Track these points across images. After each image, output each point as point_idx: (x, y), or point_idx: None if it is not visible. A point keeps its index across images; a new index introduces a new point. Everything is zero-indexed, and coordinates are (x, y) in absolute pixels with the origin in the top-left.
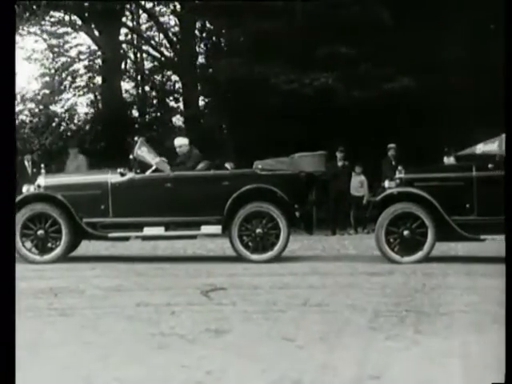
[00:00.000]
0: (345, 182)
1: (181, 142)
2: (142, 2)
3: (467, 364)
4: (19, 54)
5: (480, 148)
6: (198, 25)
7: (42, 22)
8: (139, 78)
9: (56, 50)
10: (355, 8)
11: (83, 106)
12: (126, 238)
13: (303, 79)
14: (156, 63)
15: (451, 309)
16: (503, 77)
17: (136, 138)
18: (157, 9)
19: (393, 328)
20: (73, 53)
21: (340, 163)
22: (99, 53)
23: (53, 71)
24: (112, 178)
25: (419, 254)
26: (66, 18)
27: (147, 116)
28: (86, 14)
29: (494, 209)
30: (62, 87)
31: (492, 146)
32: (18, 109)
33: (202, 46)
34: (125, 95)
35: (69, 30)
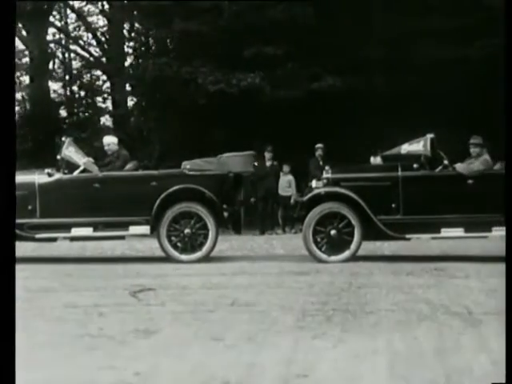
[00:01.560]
0: (273, 182)
1: (109, 141)
2: (70, 2)
3: (393, 361)
4: None
5: (405, 148)
6: (126, 25)
7: None
8: (67, 77)
9: None
10: (280, 8)
11: None
12: (54, 239)
13: (230, 79)
14: (84, 63)
15: (377, 307)
16: (503, 77)
17: (64, 138)
18: (85, 8)
19: (320, 327)
20: None
21: (268, 163)
22: (27, 52)
23: None
24: (39, 178)
25: (346, 254)
26: None
27: (75, 116)
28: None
29: (419, 208)
30: None
31: (417, 146)
32: None
33: (130, 45)
34: (53, 95)
35: None
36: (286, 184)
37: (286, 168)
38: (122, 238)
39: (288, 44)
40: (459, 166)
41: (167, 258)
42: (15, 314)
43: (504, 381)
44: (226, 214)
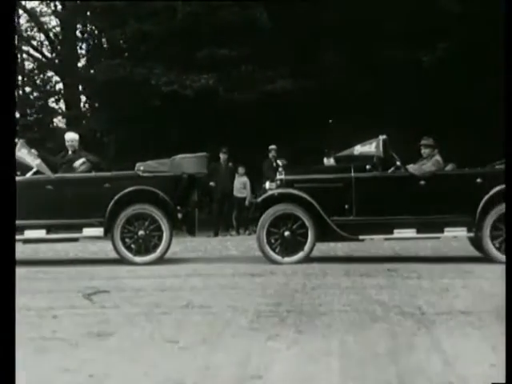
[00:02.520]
0: (228, 184)
1: (71, 137)
2: (23, 2)
3: (346, 362)
4: None
5: (358, 149)
6: (79, 25)
7: None
8: (20, 78)
9: None
10: (235, 9)
11: None
12: None
13: (183, 80)
14: (37, 64)
15: (331, 308)
16: (504, 78)
17: (16, 140)
18: (37, 9)
19: (274, 328)
20: None
21: (223, 164)
22: None
23: None
24: None
25: (300, 255)
26: None
27: (28, 117)
28: None
29: (372, 209)
30: None
31: (369, 148)
32: None
33: (83, 46)
34: None
35: None
36: (240, 185)
37: (240, 169)
38: (75, 240)
39: (242, 46)
40: (411, 167)
41: (121, 260)
42: (15, 313)
43: (504, 381)
44: (179, 215)
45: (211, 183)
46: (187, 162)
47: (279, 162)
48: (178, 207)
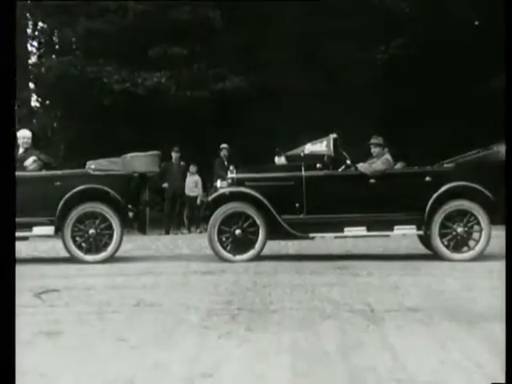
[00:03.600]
0: (180, 182)
1: (24, 134)
2: None
3: (297, 360)
4: None
5: (309, 148)
6: (29, 23)
7: None
8: None
9: None
10: (186, 8)
11: None
12: None
13: (135, 79)
14: None
15: (282, 306)
16: (504, 79)
17: None
18: None
19: (225, 326)
20: None
21: (175, 163)
22: None
23: None
24: None
25: (251, 253)
26: None
27: None
28: None
29: (323, 208)
30: None
31: (320, 146)
32: None
33: (33, 44)
34: None
35: None
36: (192, 184)
37: (192, 168)
38: (25, 238)
39: (194, 44)
40: (361, 166)
41: (72, 259)
42: (15, 313)
43: (504, 381)
44: (130, 214)
45: (163, 185)
46: (138, 161)
47: (231, 167)
48: (129, 206)
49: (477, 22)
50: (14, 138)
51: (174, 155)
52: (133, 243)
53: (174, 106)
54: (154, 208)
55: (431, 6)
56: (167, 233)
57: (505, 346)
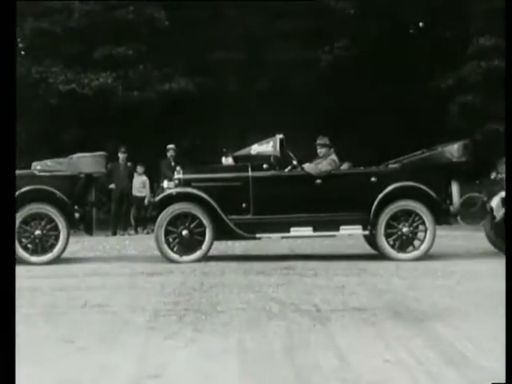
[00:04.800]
0: (127, 183)
1: None
2: None
3: (244, 360)
4: None
5: (255, 148)
6: None
7: None
8: None
9: None
10: (132, 9)
11: None
12: None
13: (81, 79)
14: None
15: (229, 307)
16: (505, 79)
17: None
18: None
19: (172, 327)
20: None
21: (122, 164)
22: None
23: None
24: None
25: (198, 253)
26: None
27: None
28: None
29: (269, 208)
30: None
31: (266, 147)
32: None
33: None
34: None
35: None
36: (140, 185)
37: (140, 169)
38: None
39: (140, 45)
40: (307, 166)
41: (17, 260)
42: (15, 313)
43: (504, 381)
44: (77, 214)
45: (110, 185)
46: (85, 161)
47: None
48: (76, 206)
49: (421, 24)
50: (15, 138)
51: (121, 156)
52: (79, 244)
53: (121, 106)
54: (100, 209)
55: (376, 7)
56: (114, 234)
57: (505, 346)
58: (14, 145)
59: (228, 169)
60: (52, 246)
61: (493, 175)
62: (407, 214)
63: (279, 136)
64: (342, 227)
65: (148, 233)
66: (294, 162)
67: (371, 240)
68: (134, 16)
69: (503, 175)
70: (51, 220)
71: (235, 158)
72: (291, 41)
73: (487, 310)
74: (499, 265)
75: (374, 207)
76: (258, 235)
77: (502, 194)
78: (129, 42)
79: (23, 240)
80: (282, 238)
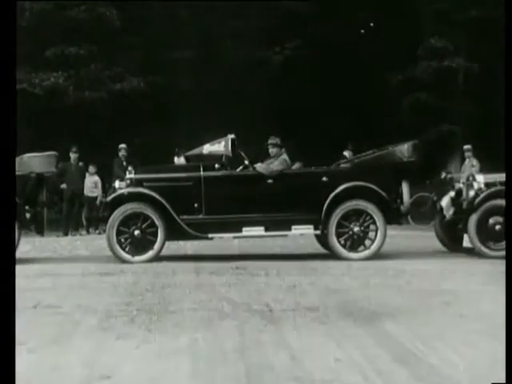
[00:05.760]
0: (78, 183)
1: None
2: None
3: (196, 360)
4: None
5: (207, 148)
6: None
7: None
8: None
9: None
10: (84, 8)
11: None
12: None
13: (33, 79)
14: None
15: (180, 307)
16: (504, 80)
17: None
18: None
19: (123, 327)
20: None
21: (73, 163)
22: None
23: None
24: None
25: (150, 254)
26: None
27: None
28: None
29: (221, 208)
30: None
31: (218, 147)
32: None
33: None
34: None
35: None
36: (92, 185)
37: (91, 168)
38: None
39: (92, 45)
40: (259, 166)
41: None
42: (15, 313)
43: (504, 381)
44: (28, 215)
45: (62, 185)
46: (35, 161)
47: (129, 167)
48: (27, 207)
49: (372, 24)
50: (15, 138)
51: (72, 156)
52: (30, 245)
53: (72, 106)
54: (51, 209)
55: (328, 7)
56: (65, 234)
57: (505, 345)
58: (14, 145)
59: (180, 168)
60: None
61: (443, 175)
62: (358, 214)
63: (231, 136)
64: (293, 227)
65: (100, 233)
66: (246, 162)
67: (323, 240)
68: (86, 15)
69: (453, 175)
70: None
71: (187, 158)
72: (243, 40)
73: (436, 309)
74: (449, 264)
75: (325, 207)
76: (209, 235)
77: (452, 193)
78: (80, 41)
79: None
80: (234, 237)
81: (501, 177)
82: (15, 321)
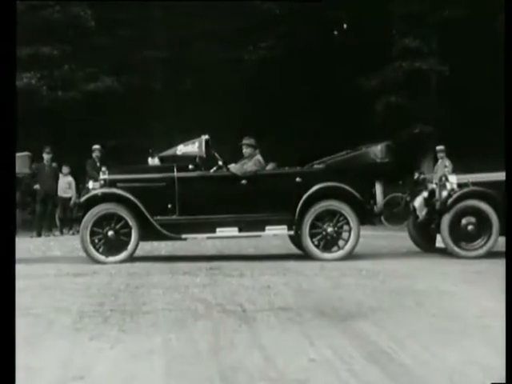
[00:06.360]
0: (52, 184)
1: None
2: None
3: (170, 360)
4: None
5: (181, 149)
6: None
7: None
8: None
9: None
10: (57, 8)
11: None
12: None
13: None
14: None
15: (154, 307)
16: (503, 79)
17: None
18: None
19: (97, 328)
20: None
21: (47, 164)
22: None
23: None
24: None
25: (123, 254)
26: None
27: None
28: None
29: (195, 209)
30: None
31: (192, 147)
32: None
33: None
34: None
35: None
36: (65, 185)
37: (65, 169)
38: None
39: (65, 45)
40: (233, 167)
41: None
42: (15, 313)
43: (504, 381)
44: None
45: (35, 186)
46: None
47: (103, 168)
48: None
49: (345, 25)
50: (15, 138)
51: (46, 156)
52: None
53: (46, 106)
54: (25, 209)
55: (301, 8)
56: (39, 235)
57: (505, 345)
58: (14, 144)
59: (154, 169)
60: None
61: (416, 175)
62: (332, 214)
63: (205, 136)
64: (267, 227)
65: (73, 234)
66: (220, 163)
67: (296, 240)
68: (60, 15)
69: (426, 175)
70: None
71: (161, 159)
72: (217, 41)
73: (409, 308)
74: (422, 264)
75: (298, 207)
76: (183, 236)
77: (425, 194)
78: (54, 41)
79: None
80: (208, 238)
81: (473, 177)
82: (15, 321)
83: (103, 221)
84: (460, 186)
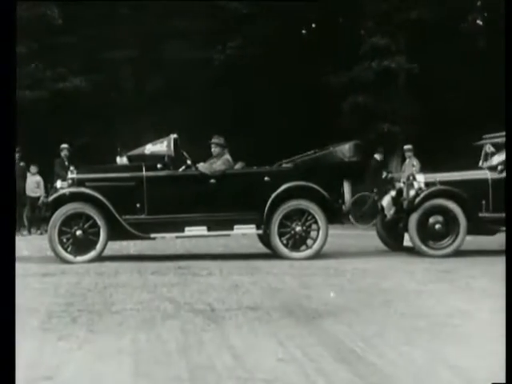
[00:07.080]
0: (20, 183)
1: None
2: None
3: (138, 360)
4: None
5: (149, 148)
6: None
7: None
8: None
9: None
10: (25, 6)
11: None
12: None
13: None
14: None
15: (123, 307)
16: (504, 79)
17: None
18: None
19: (65, 328)
20: None
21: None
22: None
23: None
24: None
25: (92, 254)
26: None
27: None
28: None
29: (164, 208)
30: None
31: (160, 147)
32: None
33: None
34: None
35: None
36: (34, 185)
37: (33, 169)
38: None
39: (32, 43)
40: (201, 166)
41: None
42: (15, 313)
43: (504, 381)
44: None
45: None
46: None
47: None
48: None
49: (313, 25)
50: (15, 138)
51: (15, 155)
52: None
53: None
54: None
55: (269, 7)
56: None
57: (505, 345)
58: (14, 145)
59: (122, 168)
60: None
61: (384, 174)
62: (300, 214)
63: (173, 136)
64: (236, 226)
65: (42, 233)
66: (188, 162)
67: (265, 239)
68: (27, 14)
69: (394, 174)
70: None
71: (129, 158)
72: (185, 40)
73: (377, 307)
74: (390, 263)
75: (267, 207)
76: (152, 235)
77: (393, 193)
78: (21, 39)
79: None
80: (177, 237)
81: (440, 176)
82: (15, 321)
83: (71, 220)
84: (427, 185)
